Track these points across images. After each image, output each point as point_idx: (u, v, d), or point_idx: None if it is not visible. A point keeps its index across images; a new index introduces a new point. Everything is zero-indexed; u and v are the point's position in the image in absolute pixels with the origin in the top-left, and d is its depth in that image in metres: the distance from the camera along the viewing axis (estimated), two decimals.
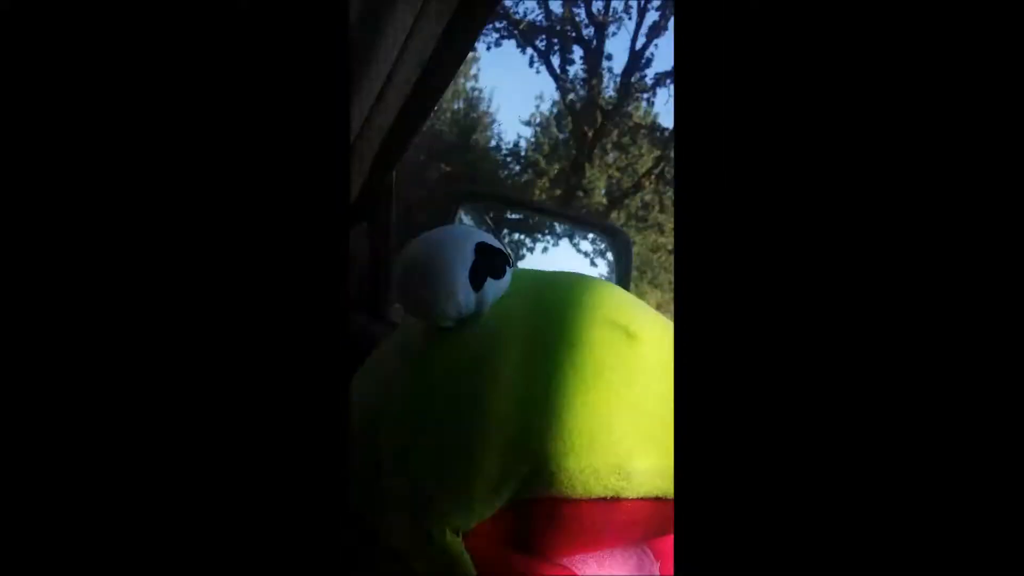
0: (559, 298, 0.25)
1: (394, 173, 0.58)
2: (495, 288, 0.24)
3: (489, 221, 0.65)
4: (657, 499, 0.22)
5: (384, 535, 0.24)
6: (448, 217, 0.60)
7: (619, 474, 0.21)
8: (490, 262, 0.24)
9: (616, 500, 0.22)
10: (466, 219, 0.61)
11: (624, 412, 0.22)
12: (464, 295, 0.23)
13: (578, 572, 0.23)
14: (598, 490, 0.21)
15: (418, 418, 0.23)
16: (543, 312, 0.24)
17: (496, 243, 0.25)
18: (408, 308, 0.25)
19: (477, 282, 0.23)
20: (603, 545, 0.24)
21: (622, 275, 0.66)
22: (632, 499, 0.22)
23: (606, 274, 0.66)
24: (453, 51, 0.48)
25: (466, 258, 0.23)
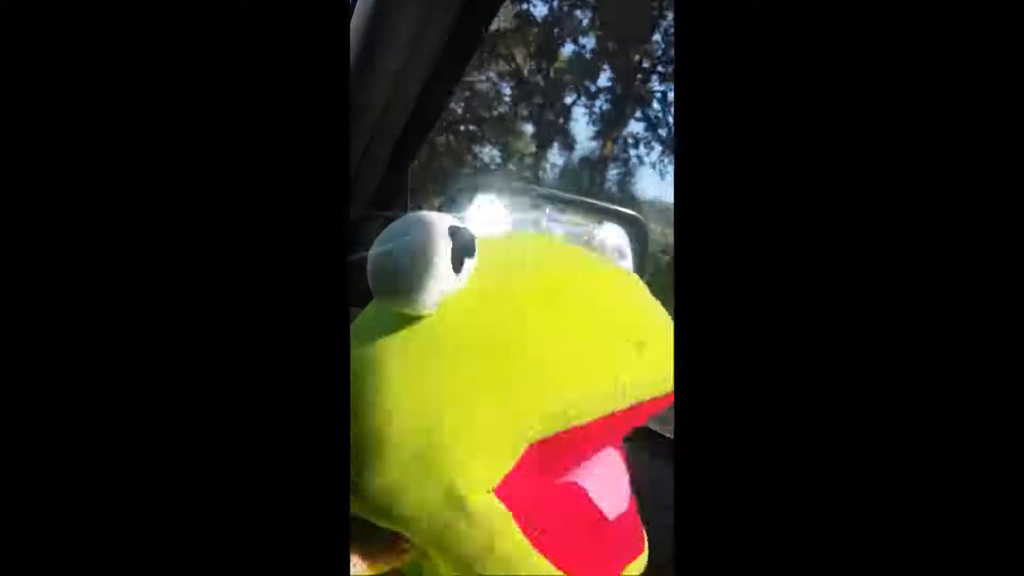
0: (525, 262, 0.28)
1: (409, 171, 0.59)
2: (470, 266, 0.26)
3: (505, 211, 0.65)
4: (639, 403, 0.26)
5: (412, 523, 0.25)
6: (463, 208, 0.60)
7: (604, 397, 0.25)
8: (464, 244, 0.25)
9: (610, 416, 0.25)
10: (481, 210, 0.62)
11: (604, 341, 0.25)
12: (449, 282, 0.25)
13: (582, 484, 0.27)
14: (598, 412, 0.24)
15: (434, 396, 0.24)
16: (512, 278, 0.27)
17: (459, 222, 0.26)
18: (392, 299, 0.25)
19: (458, 266, 0.25)
20: (594, 453, 0.28)
21: (639, 260, 0.66)
22: (620, 411, 0.25)
23: (627, 260, 0.66)
24: (463, 45, 0.48)
25: (444, 247, 0.25)
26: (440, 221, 0.26)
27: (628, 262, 0.66)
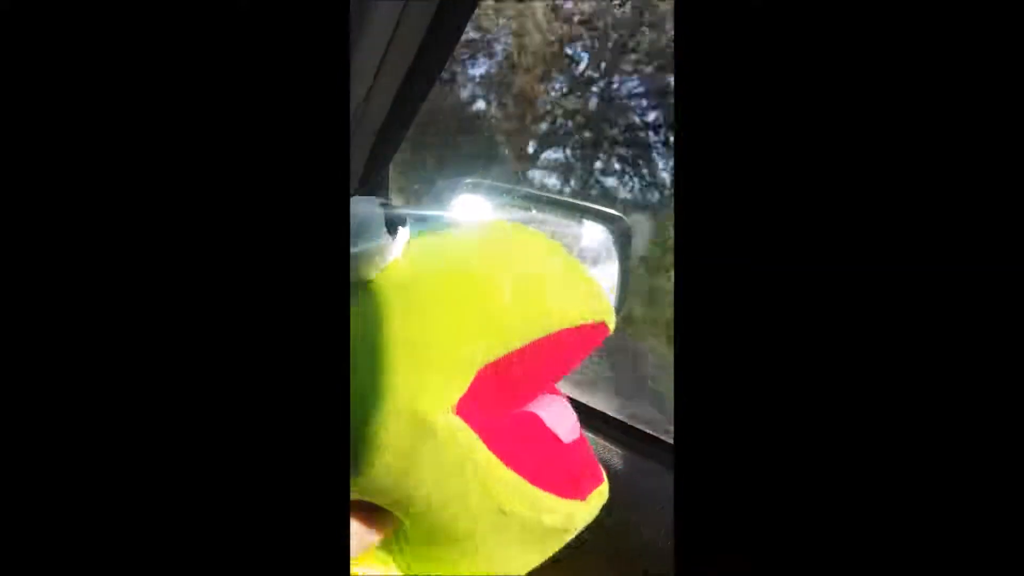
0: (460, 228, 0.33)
1: (390, 165, 0.58)
2: (403, 236, 0.29)
3: (489, 208, 0.65)
4: (569, 329, 0.28)
5: (379, 458, 0.26)
6: (446, 204, 0.60)
7: (543, 316, 0.27)
8: (393, 215, 0.29)
9: (546, 338, 0.28)
10: (464, 206, 0.61)
11: (533, 278, 0.29)
12: (387, 246, 0.28)
13: (536, 413, 0.30)
14: (533, 334, 0.27)
15: (387, 338, 0.26)
16: (449, 241, 0.31)
17: (387, 200, 0.30)
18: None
19: (393, 232, 0.28)
20: (541, 390, 0.31)
21: (623, 259, 0.67)
22: (554, 334, 0.28)
23: (613, 258, 0.66)
24: (444, 38, 0.48)
25: (378, 215, 0.28)
26: (370, 202, 0.29)
27: (613, 261, 0.66)
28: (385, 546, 0.31)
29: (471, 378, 0.26)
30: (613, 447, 0.46)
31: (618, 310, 0.65)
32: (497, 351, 0.27)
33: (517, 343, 0.27)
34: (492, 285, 0.28)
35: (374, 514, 0.29)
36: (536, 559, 0.30)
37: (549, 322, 0.28)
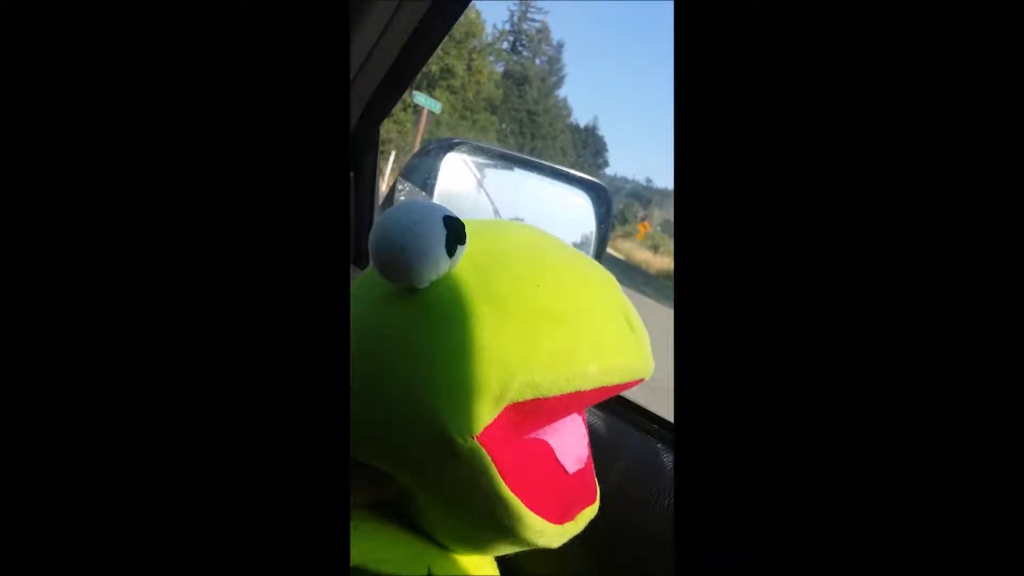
0: (510, 250, 0.33)
1: (379, 128, 0.59)
2: (461, 251, 0.30)
3: (475, 170, 0.66)
4: (603, 388, 0.30)
5: (398, 459, 0.29)
6: (433, 167, 0.61)
7: (580, 377, 0.29)
8: (457, 231, 0.29)
9: (577, 393, 0.29)
10: (449, 168, 0.63)
11: (578, 331, 0.30)
12: (444, 264, 0.29)
13: (547, 440, 0.32)
14: (567, 389, 0.29)
15: (427, 354, 0.28)
16: (499, 261, 0.31)
17: (453, 213, 0.30)
18: (392, 277, 0.29)
19: (451, 250, 0.29)
20: (561, 418, 0.33)
21: (602, 226, 0.69)
22: (587, 391, 0.30)
23: (592, 226, 0.68)
24: (444, 11, 0.48)
25: (440, 232, 0.29)
26: (436, 211, 0.29)
27: (592, 227, 0.68)
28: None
29: (498, 412, 0.28)
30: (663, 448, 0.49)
31: None
32: (529, 395, 0.28)
33: (551, 393, 0.29)
34: (540, 330, 0.29)
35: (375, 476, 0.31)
36: (531, 547, 0.33)
37: (587, 382, 0.29)
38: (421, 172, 0.62)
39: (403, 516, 0.33)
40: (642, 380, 0.32)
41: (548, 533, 0.30)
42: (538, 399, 0.28)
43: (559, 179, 0.70)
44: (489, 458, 0.28)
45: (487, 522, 0.30)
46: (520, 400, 0.28)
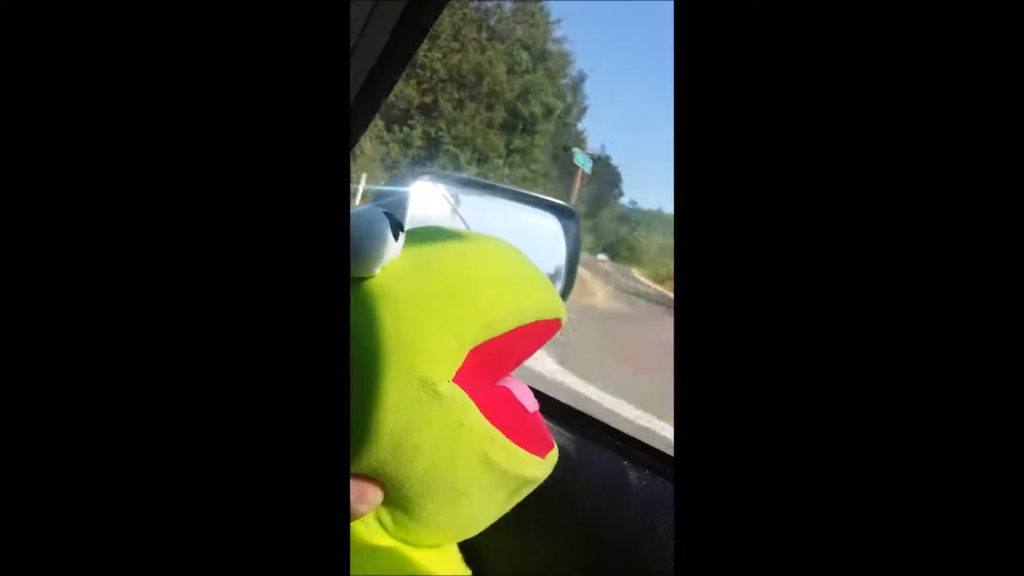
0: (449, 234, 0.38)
1: (357, 145, 0.59)
2: (402, 238, 0.34)
3: (447, 197, 0.67)
4: (538, 322, 0.35)
5: (387, 414, 0.31)
6: (404, 193, 0.62)
7: (520, 310, 0.34)
8: (396, 223, 0.34)
9: (520, 328, 0.34)
10: (421, 194, 0.64)
11: (511, 278, 0.35)
12: (392, 247, 0.33)
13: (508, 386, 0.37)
14: (513, 324, 0.34)
15: (392, 324, 0.31)
16: (433, 246, 0.36)
17: (390, 211, 0.35)
18: (352, 270, 0.33)
19: (396, 235, 0.33)
20: (511, 369, 0.38)
21: (571, 248, 0.71)
22: (528, 324, 0.35)
23: (562, 248, 0.70)
24: (418, 20, 0.49)
25: (383, 220, 0.33)
26: (377, 208, 0.34)
27: (561, 250, 0.70)
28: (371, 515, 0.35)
29: (464, 356, 0.32)
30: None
31: (564, 296, 0.69)
32: (483, 335, 0.33)
33: (498, 330, 0.33)
34: (479, 282, 0.34)
35: (363, 485, 0.32)
36: (507, 506, 0.36)
37: (523, 315, 0.35)
38: (393, 199, 0.62)
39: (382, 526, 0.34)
40: (561, 325, 0.38)
41: (534, 463, 0.34)
42: (492, 338, 0.33)
43: (529, 203, 0.71)
44: (469, 398, 0.31)
45: (473, 469, 0.33)
46: (478, 343, 0.32)
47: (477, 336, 0.33)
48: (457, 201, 0.67)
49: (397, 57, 0.50)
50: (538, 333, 0.36)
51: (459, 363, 0.32)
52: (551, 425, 0.49)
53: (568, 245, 0.71)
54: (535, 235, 0.71)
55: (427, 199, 0.62)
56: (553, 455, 0.37)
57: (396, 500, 0.34)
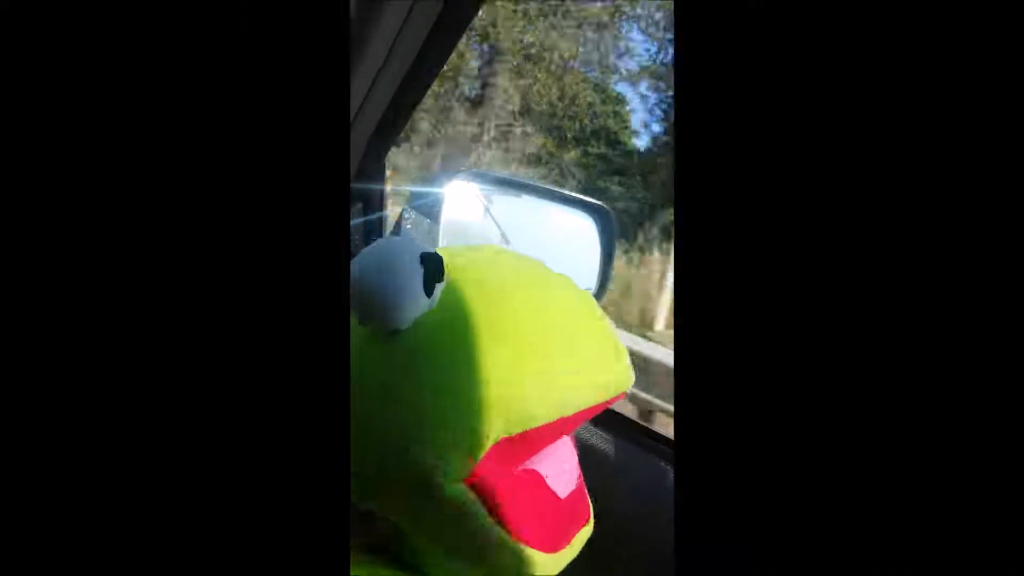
0: (490, 279, 0.32)
1: (386, 158, 0.60)
2: (439, 289, 0.29)
3: (481, 198, 0.68)
4: (590, 408, 0.31)
5: (388, 503, 0.29)
6: (438, 196, 0.62)
7: (569, 402, 0.29)
8: (434, 269, 0.28)
9: (559, 420, 0.29)
10: (455, 195, 0.64)
11: (563, 355, 0.30)
12: (422, 303, 0.28)
13: (539, 471, 0.32)
14: (556, 416, 0.29)
15: (410, 398, 0.27)
16: (479, 294, 0.30)
17: (430, 248, 0.29)
18: (369, 319, 0.28)
19: (429, 290, 0.28)
20: (549, 444, 0.33)
21: (606, 248, 0.70)
22: (571, 415, 0.30)
23: (596, 247, 0.69)
24: (444, 39, 0.50)
25: (416, 271, 0.28)
26: (412, 249, 0.28)
27: (597, 249, 0.69)
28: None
29: (486, 451, 0.27)
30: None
31: (599, 297, 0.68)
32: (515, 429, 0.28)
33: (536, 423, 0.28)
34: (527, 363, 0.28)
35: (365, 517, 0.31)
36: None
37: (568, 407, 0.29)
38: (427, 201, 0.63)
39: (398, 557, 0.32)
40: (625, 394, 0.32)
41: (544, 564, 0.30)
42: (527, 430, 0.28)
43: (564, 202, 0.71)
44: (476, 499, 0.28)
45: (481, 560, 0.30)
46: (511, 435, 0.28)
47: (508, 428, 0.28)
48: (490, 202, 0.67)
49: (430, 61, 0.50)
50: (592, 412, 0.31)
51: (479, 458, 0.27)
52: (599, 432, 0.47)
53: (603, 244, 0.70)
54: (569, 235, 0.71)
55: (462, 201, 0.62)
56: (584, 532, 0.33)
57: (419, 553, 0.32)
